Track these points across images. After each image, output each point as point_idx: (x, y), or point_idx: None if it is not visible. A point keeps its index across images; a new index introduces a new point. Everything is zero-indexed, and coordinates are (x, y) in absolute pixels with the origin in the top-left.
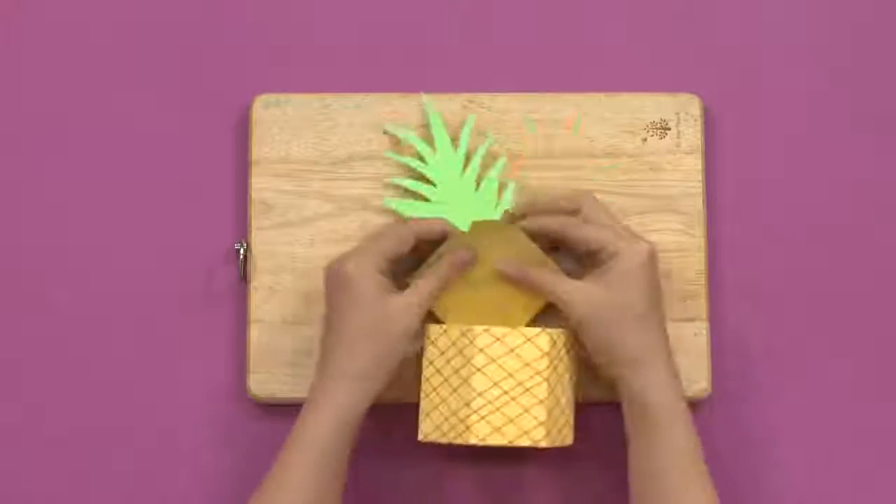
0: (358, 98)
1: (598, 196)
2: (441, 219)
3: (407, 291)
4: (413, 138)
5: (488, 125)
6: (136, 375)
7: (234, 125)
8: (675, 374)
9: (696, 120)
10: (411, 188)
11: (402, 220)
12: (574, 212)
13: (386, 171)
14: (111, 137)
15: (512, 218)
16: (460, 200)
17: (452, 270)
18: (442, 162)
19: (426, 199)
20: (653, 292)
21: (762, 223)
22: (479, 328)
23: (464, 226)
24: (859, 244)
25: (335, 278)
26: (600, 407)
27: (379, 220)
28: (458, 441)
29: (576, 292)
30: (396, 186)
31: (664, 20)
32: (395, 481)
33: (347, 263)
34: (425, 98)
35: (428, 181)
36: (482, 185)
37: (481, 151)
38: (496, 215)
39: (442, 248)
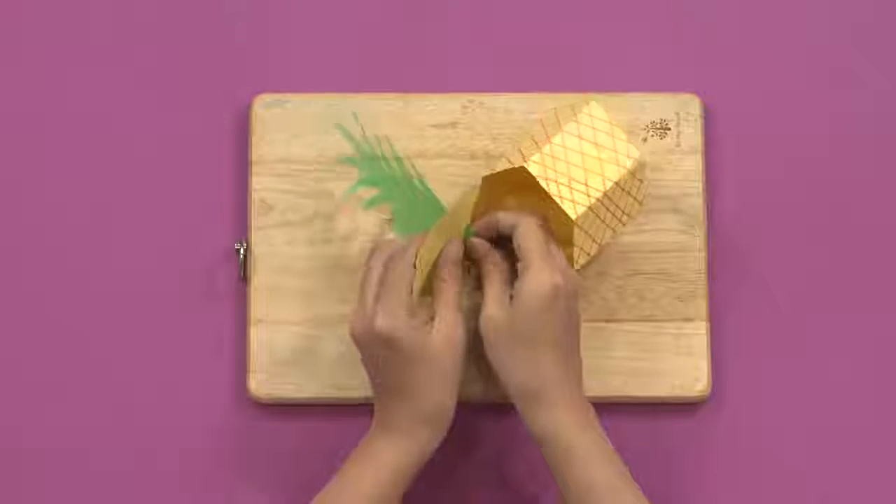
0: (358, 98)
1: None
2: (423, 231)
3: (436, 325)
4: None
5: (488, 125)
6: (136, 375)
7: (234, 125)
8: (579, 409)
9: (696, 120)
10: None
11: (383, 249)
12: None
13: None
14: (111, 137)
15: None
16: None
17: (456, 279)
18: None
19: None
20: (554, 327)
21: (762, 223)
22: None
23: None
24: (859, 244)
25: (369, 337)
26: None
27: (376, 221)
28: None
29: (489, 307)
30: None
31: (664, 20)
32: None
33: (377, 320)
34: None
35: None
36: (416, 184)
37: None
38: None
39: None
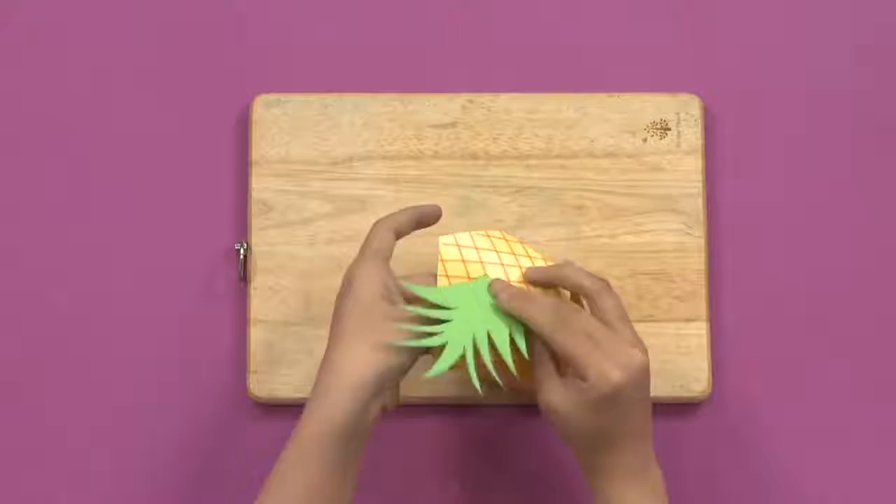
0: (358, 98)
1: (600, 196)
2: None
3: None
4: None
5: (488, 125)
6: (136, 375)
7: (234, 125)
8: (652, 492)
9: (696, 120)
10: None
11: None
12: (585, 296)
13: (386, 172)
14: (111, 137)
15: (526, 277)
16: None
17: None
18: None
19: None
20: (616, 420)
21: (762, 223)
22: None
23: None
24: (859, 244)
25: (344, 283)
26: None
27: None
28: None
29: (545, 392)
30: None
31: (664, 20)
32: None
33: (353, 267)
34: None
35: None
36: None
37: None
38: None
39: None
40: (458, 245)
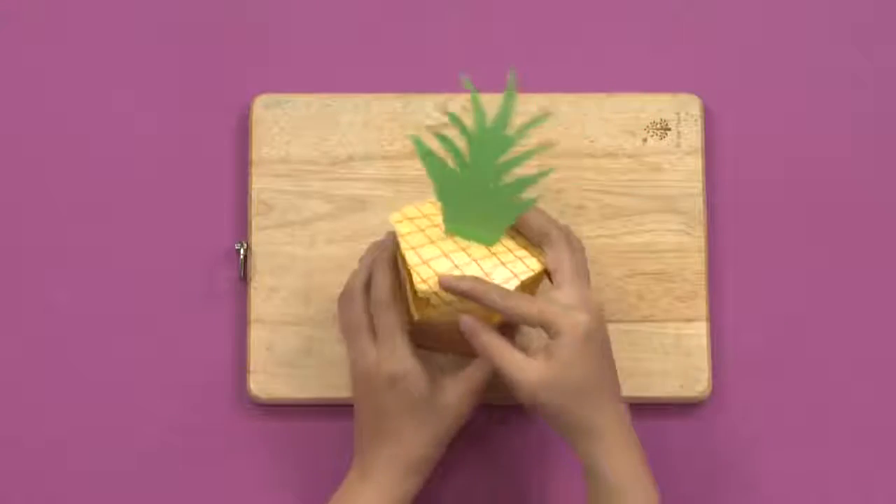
0: (358, 98)
1: (600, 196)
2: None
3: (459, 378)
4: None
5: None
6: (135, 375)
7: (234, 125)
8: (631, 445)
9: (696, 120)
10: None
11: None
12: (541, 242)
13: (386, 172)
14: (111, 137)
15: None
16: (474, 188)
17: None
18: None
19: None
20: (599, 367)
21: (762, 223)
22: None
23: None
24: (859, 244)
25: (378, 379)
26: None
27: (376, 221)
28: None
29: (520, 372)
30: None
31: (664, 20)
32: None
33: (391, 363)
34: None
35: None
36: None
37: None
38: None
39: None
40: (408, 218)
